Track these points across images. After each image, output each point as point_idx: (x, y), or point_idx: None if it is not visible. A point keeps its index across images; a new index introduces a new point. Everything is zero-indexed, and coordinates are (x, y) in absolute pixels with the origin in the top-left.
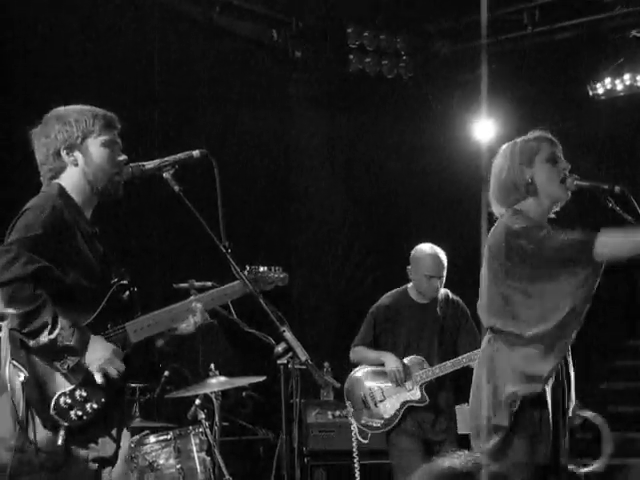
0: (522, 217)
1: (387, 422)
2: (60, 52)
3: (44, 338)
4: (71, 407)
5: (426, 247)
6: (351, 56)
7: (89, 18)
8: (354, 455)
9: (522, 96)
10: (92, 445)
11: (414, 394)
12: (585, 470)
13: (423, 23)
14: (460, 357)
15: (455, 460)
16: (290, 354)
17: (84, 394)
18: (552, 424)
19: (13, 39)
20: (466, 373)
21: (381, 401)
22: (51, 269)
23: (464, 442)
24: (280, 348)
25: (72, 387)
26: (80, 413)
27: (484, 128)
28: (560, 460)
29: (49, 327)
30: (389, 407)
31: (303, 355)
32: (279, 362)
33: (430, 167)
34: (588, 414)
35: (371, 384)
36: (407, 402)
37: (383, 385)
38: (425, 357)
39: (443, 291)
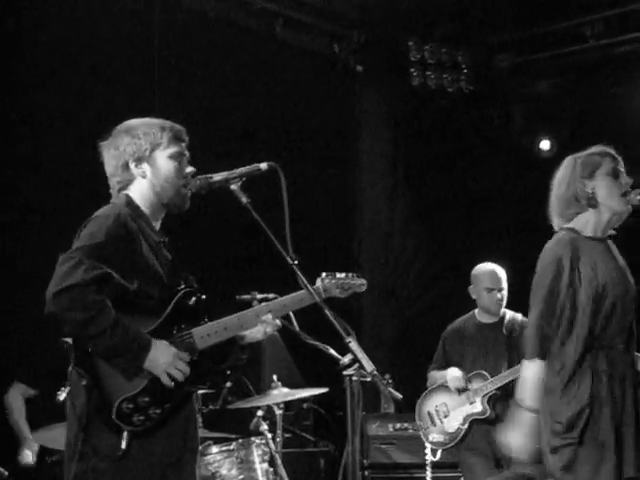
0: (570, 243)
1: (452, 437)
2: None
3: (104, 343)
4: (134, 412)
5: (484, 264)
6: (412, 69)
7: (146, 32)
8: (427, 471)
9: (583, 108)
10: (157, 450)
11: (476, 406)
12: None
13: (484, 36)
14: (517, 366)
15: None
16: (356, 365)
17: (147, 399)
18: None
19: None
20: None
21: (446, 416)
22: (113, 276)
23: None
24: (346, 359)
25: (135, 392)
26: (143, 418)
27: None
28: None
29: (109, 332)
30: (453, 421)
31: (370, 366)
32: (345, 374)
33: (492, 179)
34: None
35: (437, 400)
36: (470, 415)
37: (447, 400)
38: (493, 374)
39: (512, 313)
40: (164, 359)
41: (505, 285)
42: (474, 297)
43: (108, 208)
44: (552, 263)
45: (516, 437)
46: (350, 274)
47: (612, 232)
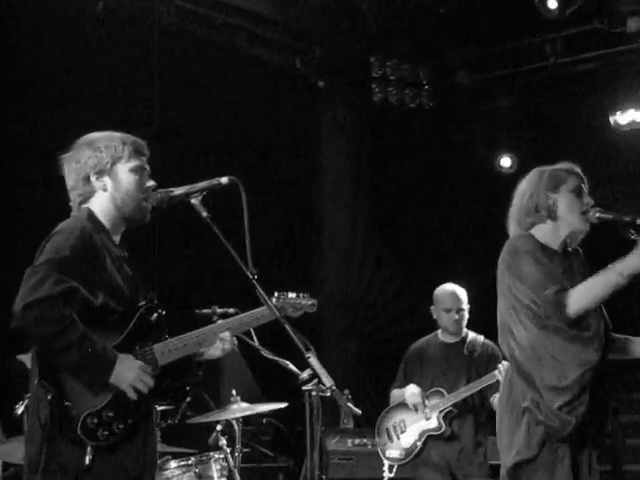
0: (530, 240)
1: (407, 452)
2: (82, 81)
3: (71, 357)
4: (98, 427)
5: (444, 285)
6: (374, 85)
7: (110, 47)
8: None
9: (543, 126)
10: (118, 465)
11: (431, 422)
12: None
13: (445, 53)
14: (473, 382)
15: None
16: (315, 380)
17: (111, 414)
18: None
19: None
20: (490, 410)
21: (403, 432)
22: (79, 290)
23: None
24: (305, 374)
25: (100, 407)
26: (107, 433)
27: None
28: None
29: (77, 346)
30: (409, 437)
31: (328, 381)
32: (304, 389)
33: (453, 196)
34: None
35: (395, 418)
36: (425, 431)
37: (405, 417)
38: (451, 392)
39: (474, 334)
40: (130, 373)
41: (465, 306)
42: (435, 317)
43: (71, 222)
44: (526, 253)
45: None
46: (301, 294)
47: (570, 249)
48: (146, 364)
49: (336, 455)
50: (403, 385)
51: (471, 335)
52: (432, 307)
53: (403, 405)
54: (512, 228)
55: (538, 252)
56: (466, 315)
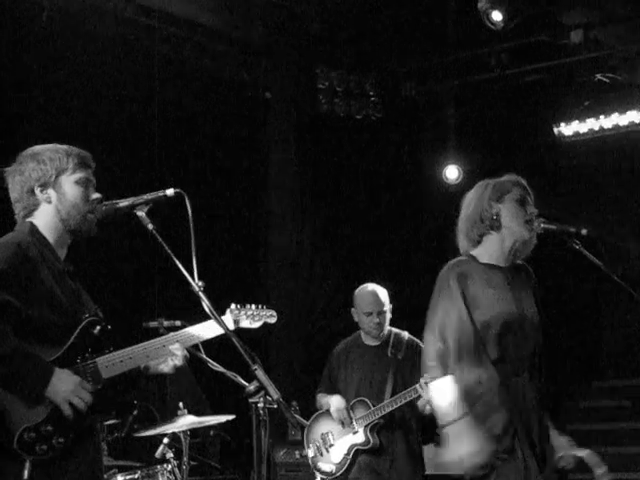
0: (455, 266)
1: (338, 467)
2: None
3: (4, 370)
4: (36, 441)
5: (365, 285)
6: (320, 96)
7: (57, 57)
8: None
9: (489, 137)
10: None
11: (358, 437)
12: None
13: (391, 64)
14: (396, 396)
15: None
16: (262, 393)
17: (50, 428)
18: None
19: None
20: (421, 417)
21: (331, 446)
22: (13, 303)
23: None
24: (252, 387)
25: (38, 421)
26: (45, 447)
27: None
28: None
29: (9, 359)
30: (338, 452)
31: (275, 394)
32: (251, 401)
33: (399, 207)
34: (583, 453)
35: (323, 429)
36: (354, 446)
37: (333, 429)
38: (377, 399)
39: (397, 332)
40: (66, 387)
41: (386, 307)
42: (356, 319)
43: (10, 236)
44: (439, 286)
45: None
46: (260, 305)
47: (519, 262)
48: (87, 378)
49: (283, 467)
50: (329, 389)
51: (394, 334)
52: (352, 309)
53: (330, 414)
54: (461, 242)
55: (453, 296)
56: (388, 315)
